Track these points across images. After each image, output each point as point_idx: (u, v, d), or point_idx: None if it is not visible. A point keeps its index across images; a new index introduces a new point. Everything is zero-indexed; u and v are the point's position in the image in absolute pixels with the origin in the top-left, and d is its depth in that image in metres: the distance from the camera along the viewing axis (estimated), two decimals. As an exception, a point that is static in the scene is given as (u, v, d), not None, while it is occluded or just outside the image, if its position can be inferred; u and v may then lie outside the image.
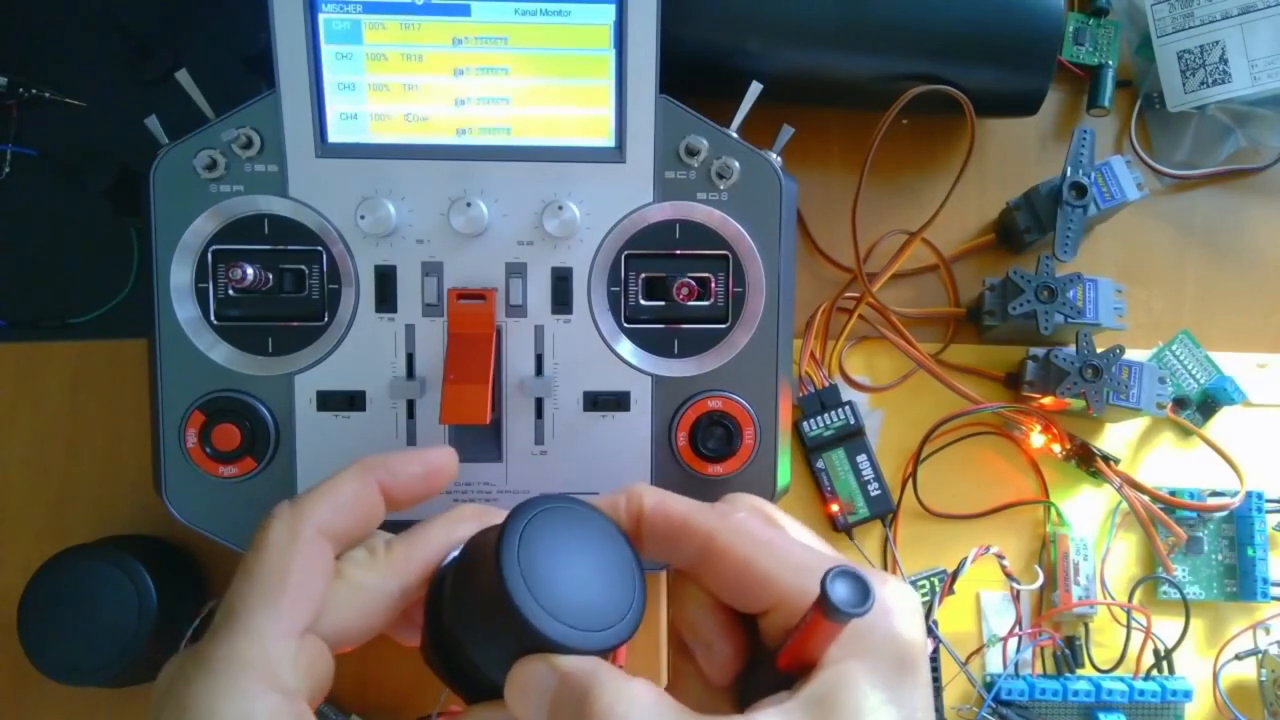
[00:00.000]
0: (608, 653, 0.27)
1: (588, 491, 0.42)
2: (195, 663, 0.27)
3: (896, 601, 0.27)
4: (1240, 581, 0.50)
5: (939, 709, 0.48)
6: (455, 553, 0.31)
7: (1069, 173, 0.47)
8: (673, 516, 0.29)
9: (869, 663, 0.26)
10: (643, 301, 0.43)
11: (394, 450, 0.33)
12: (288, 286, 0.42)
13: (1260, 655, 0.50)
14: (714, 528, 0.29)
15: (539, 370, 0.42)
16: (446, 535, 0.31)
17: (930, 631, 0.48)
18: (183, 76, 0.41)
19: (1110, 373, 0.46)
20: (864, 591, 0.24)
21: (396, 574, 0.30)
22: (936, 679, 0.48)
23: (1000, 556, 0.48)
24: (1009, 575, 0.48)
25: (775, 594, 0.27)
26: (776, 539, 0.29)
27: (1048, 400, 0.48)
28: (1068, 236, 0.47)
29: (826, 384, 0.50)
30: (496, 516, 0.33)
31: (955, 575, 0.48)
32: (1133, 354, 0.47)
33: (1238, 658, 0.50)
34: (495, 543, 0.27)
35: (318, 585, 0.29)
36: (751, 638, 0.29)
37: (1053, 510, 0.51)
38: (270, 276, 0.41)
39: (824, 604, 0.24)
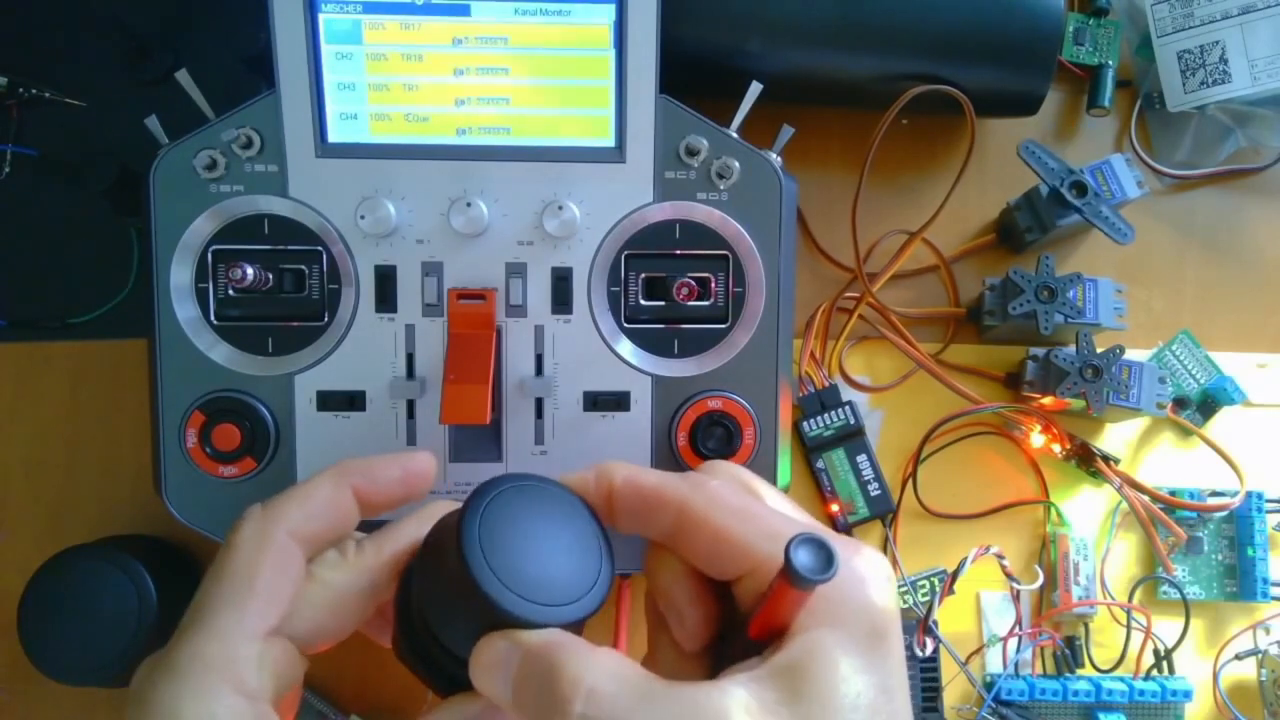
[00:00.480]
0: (576, 626, 0.27)
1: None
2: (162, 665, 0.27)
3: (869, 570, 0.27)
4: (1240, 581, 0.50)
5: (939, 709, 0.48)
6: None
7: (1054, 185, 0.47)
8: (644, 488, 0.29)
9: (841, 631, 0.25)
10: (643, 301, 0.43)
11: (373, 454, 0.33)
12: (288, 286, 0.42)
13: (1260, 655, 0.50)
14: (686, 497, 0.28)
15: (539, 370, 0.42)
16: (417, 531, 0.31)
17: (930, 631, 0.48)
18: (183, 76, 0.41)
19: (1110, 373, 0.46)
20: (828, 558, 0.24)
21: (366, 572, 0.30)
22: (936, 679, 0.48)
23: (1000, 556, 0.48)
24: (1009, 575, 0.48)
25: (749, 561, 0.27)
26: (750, 506, 0.29)
27: (1048, 400, 0.48)
28: (1112, 223, 0.47)
29: (826, 384, 0.50)
30: None
31: (955, 575, 0.48)
32: (1133, 354, 0.47)
33: (1238, 658, 0.50)
34: (456, 522, 0.27)
35: (286, 587, 0.29)
36: (726, 606, 0.29)
37: (1053, 510, 0.51)
38: (270, 276, 0.41)
39: (788, 571, 0.23)
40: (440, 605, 0.28)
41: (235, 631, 0.27)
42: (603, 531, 0.29)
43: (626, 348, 0.43)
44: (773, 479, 0.43)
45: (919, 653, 0.48)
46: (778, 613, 0.26)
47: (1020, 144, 0.48)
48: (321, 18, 0.40)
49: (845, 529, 0.49)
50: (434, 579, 0.29)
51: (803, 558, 0.24)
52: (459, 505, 0.31)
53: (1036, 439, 0.50)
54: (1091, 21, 0.52)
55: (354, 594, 0.30)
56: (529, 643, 0.26)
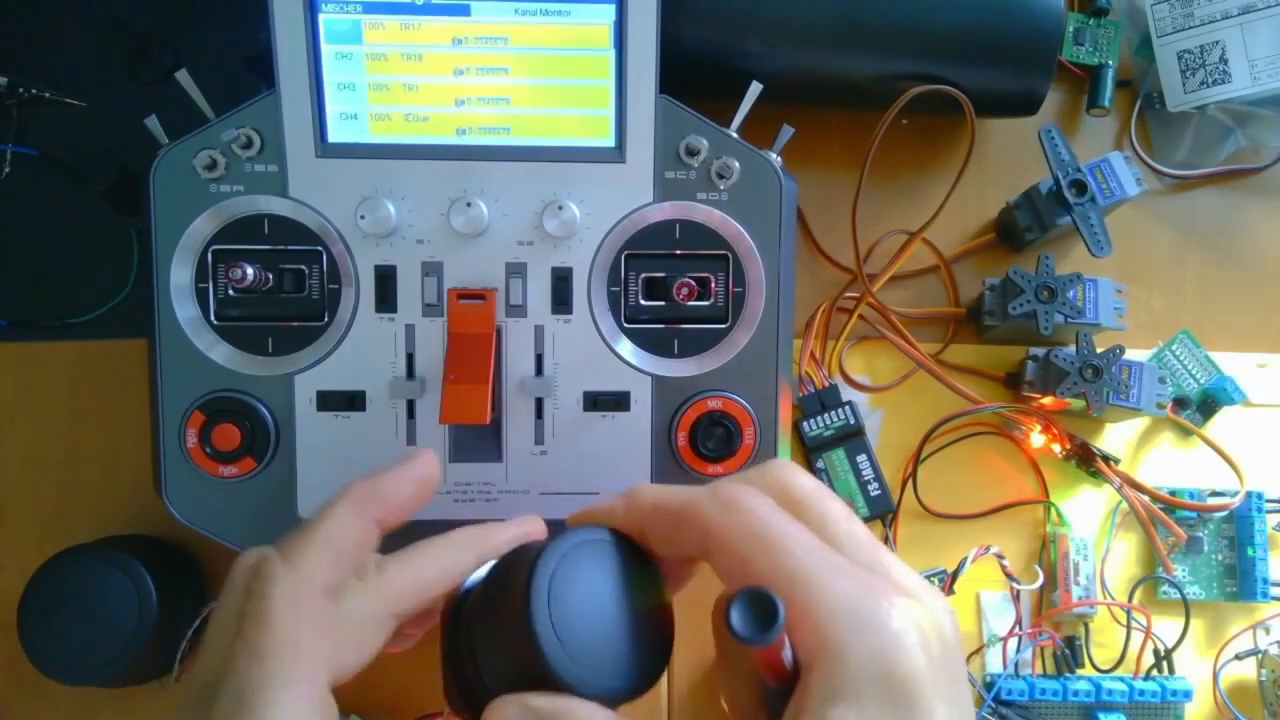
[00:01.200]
0: (611, 700, 0.27)
1: (588, 491, 0.42)
2: None
3: (901, 624, 0.24)
4: (1240, 581, 0.50)
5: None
6: (479, 574, 0.31)
7: (1060, 176, 0.47)
8: (671, 511, 0.28)
9: (852, 709, 0.23)
10: (643, 301, 0.43)
11: (376, 473, 0.31)
12: (288, 286, 0.42)
13: (1260, 655, 0.50)
14: (712, 521, 0.27)
15: (539, 370, 0.42)
16: (444, 560, 0.30)
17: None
18: (183, 76, 0.41)
19: (1110, 373, 0.46)
20: (768, 617, 0.22)
21: (391, 600, 0.29)
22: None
23: (1000, 556, 0.48)
24: (1009, 575, 0.48)
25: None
26: (779, 534, 0.26)
27: (1048, 400, 0.48)
28: (1095, 233, 0.47)
29: (826, 384, 0.50)
30: (496, 538, 0.32)
31: (955, 575, 0.48)
32: (1133, 354, 0.47)
33: (1238, 658, 0.50)
34: (527, 575, 0.26)
35: (328, 648, 0.28)
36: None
37: (1053, 510, 0.51)
38: (270, 276, 0.41)
39: (729, 630, 0.22)
40: (493, 650, 0.28)
41: (294, 711, 0.26)
42: (668, 614, 0.29)
43: (626, 348, 0.42)
44: (773, 479, 0.43)
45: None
46: (765, 664, 0.25)
47: (1042, 126, 0.48)
48: (321, 18, 0.40)
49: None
50: (492, 624, 0.28)
51: (737, 618, 0.22)
52: (486, 531, 0.30)
53: (1036, 439, 0.50)
54: (1091, 21, 0.52)
55: (378, 623, 0.29)
56: (539, 707, 0.25)
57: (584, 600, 0.27)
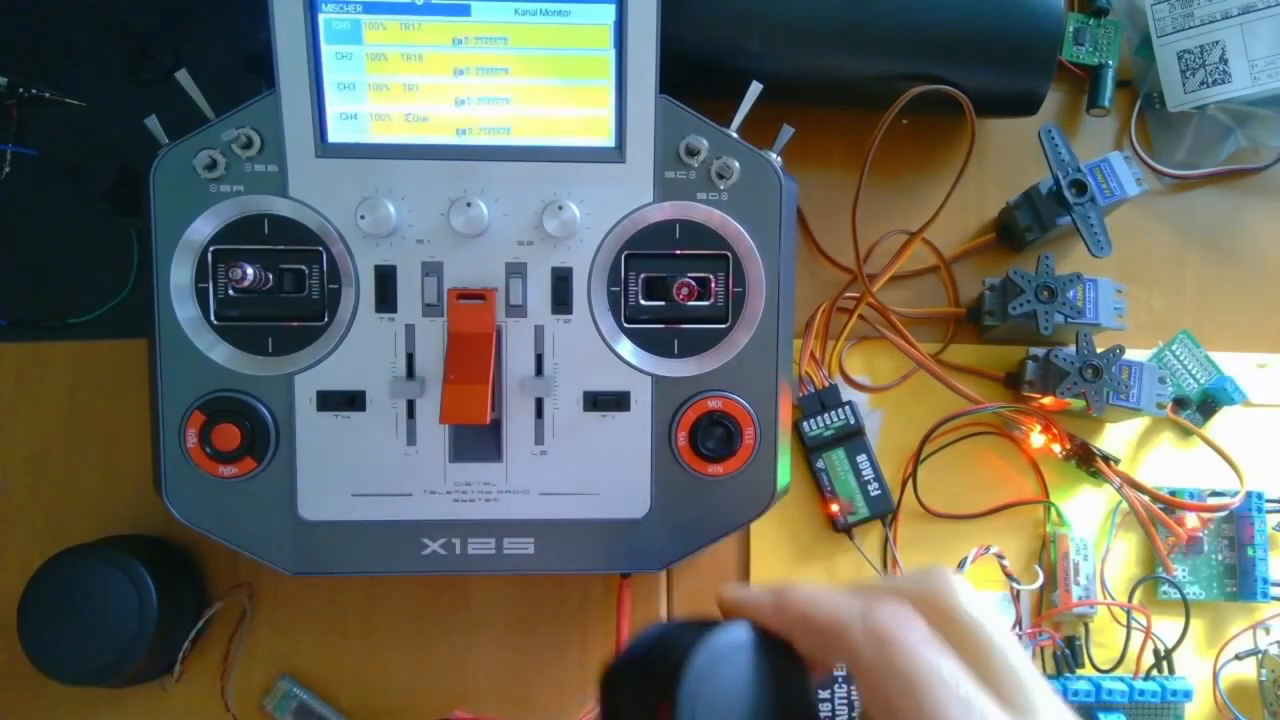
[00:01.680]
0: None
1: (588, 492, 0.42)
2: None
3: None
4: (1240, 581, 0.50)
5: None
6: (641, 635, 0.31)
7: (1060, 176, 0.47)
8: (818, 629, 0.27)
9: None
10: (643, 301, 0.43)
11: None
12: (288, 286, 0.42)
13: (1260, 655, 0.50)
14: (858, 659, 0.25)
15: (539, 370, 0.42)
16: None
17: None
18: (183, 76, 0.41)
19: (1110, 373, 0.46)
20: None
21: None
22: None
23: (1000, 556, 0.48)
24: (1009, 575, 0.48)
25: None
26: (928, 682, 0.24)
27: (1048, 400, 0.48)
28: (1095, 233, 0.47)
29: (826, 384, 0.50)
30: None
31: (955, 575, 0.48)
32: (1133, 354, 0.47)
33: (1238, 658, 0.50)
34: (675, 676, 0.26)
35: None
36: None
37: (1053, 510, 0.51)
38: (270, 276, 0.41)
39: None
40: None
41: None
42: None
43: (626, 348, 0.43)
44: (773, 479, 0.43)
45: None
46: None
47: (1042, 126, 0.48)
48: (321, 18, 0.40)
49: (845, 529, 0.49)
50: (639, 704, 0.28)
51: None
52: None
53: (1036, 439, 0.50)
54: (1091, 21, 0.52)
55: None
56: None
57: (729, 712, 0.27)
